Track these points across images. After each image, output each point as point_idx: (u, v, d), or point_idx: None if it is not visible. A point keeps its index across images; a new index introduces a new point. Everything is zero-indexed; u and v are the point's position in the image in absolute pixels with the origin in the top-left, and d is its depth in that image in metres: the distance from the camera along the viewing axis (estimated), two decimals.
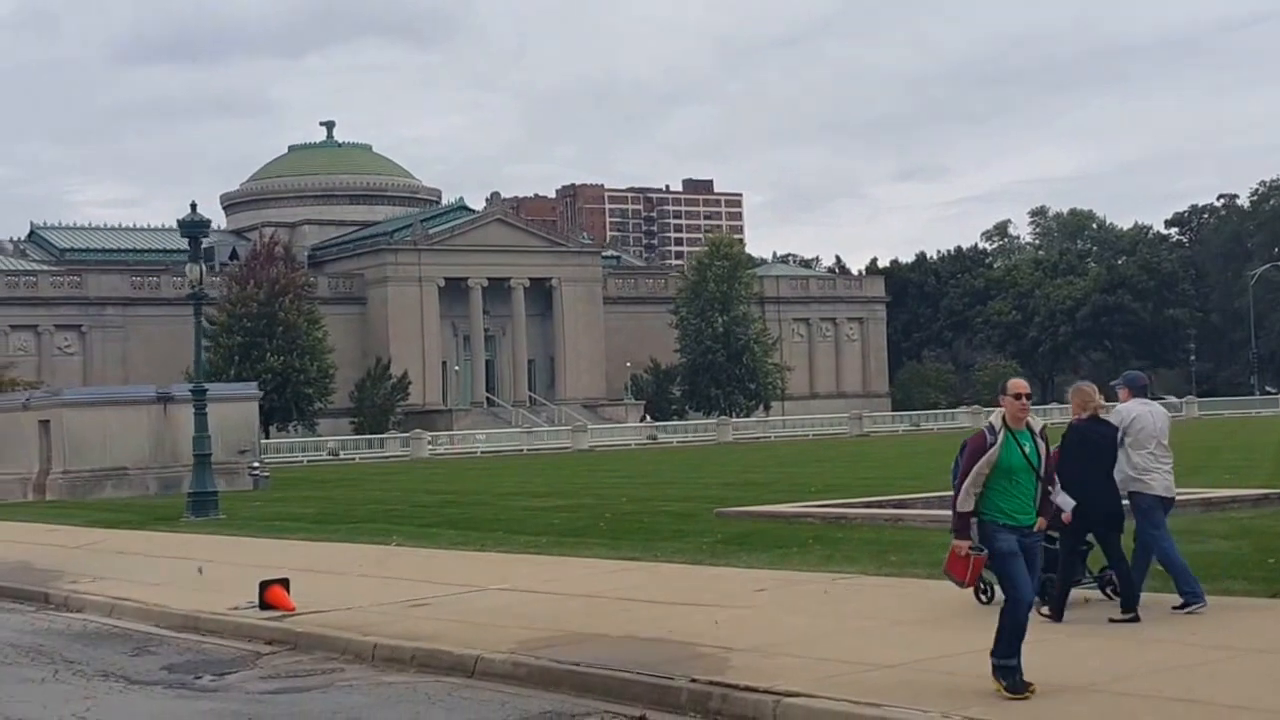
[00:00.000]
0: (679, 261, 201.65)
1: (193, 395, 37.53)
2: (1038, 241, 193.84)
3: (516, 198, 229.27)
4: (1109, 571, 14.72)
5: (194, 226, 35.68)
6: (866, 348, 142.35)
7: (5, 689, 14.36)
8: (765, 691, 11.43)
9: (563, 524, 28.13)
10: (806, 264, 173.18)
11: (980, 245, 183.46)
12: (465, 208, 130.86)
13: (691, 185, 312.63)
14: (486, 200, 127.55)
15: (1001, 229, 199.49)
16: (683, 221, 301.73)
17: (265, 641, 16.56)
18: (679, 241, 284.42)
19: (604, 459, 71.22)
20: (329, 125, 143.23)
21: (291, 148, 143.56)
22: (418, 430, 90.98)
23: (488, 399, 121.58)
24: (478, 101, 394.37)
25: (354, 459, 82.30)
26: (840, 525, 24.69)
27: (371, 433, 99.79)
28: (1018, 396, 11.07)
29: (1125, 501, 14.71)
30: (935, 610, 15.17)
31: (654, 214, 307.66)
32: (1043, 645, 12.08)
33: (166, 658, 16.07)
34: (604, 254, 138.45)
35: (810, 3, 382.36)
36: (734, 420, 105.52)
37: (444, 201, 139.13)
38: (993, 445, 10.87)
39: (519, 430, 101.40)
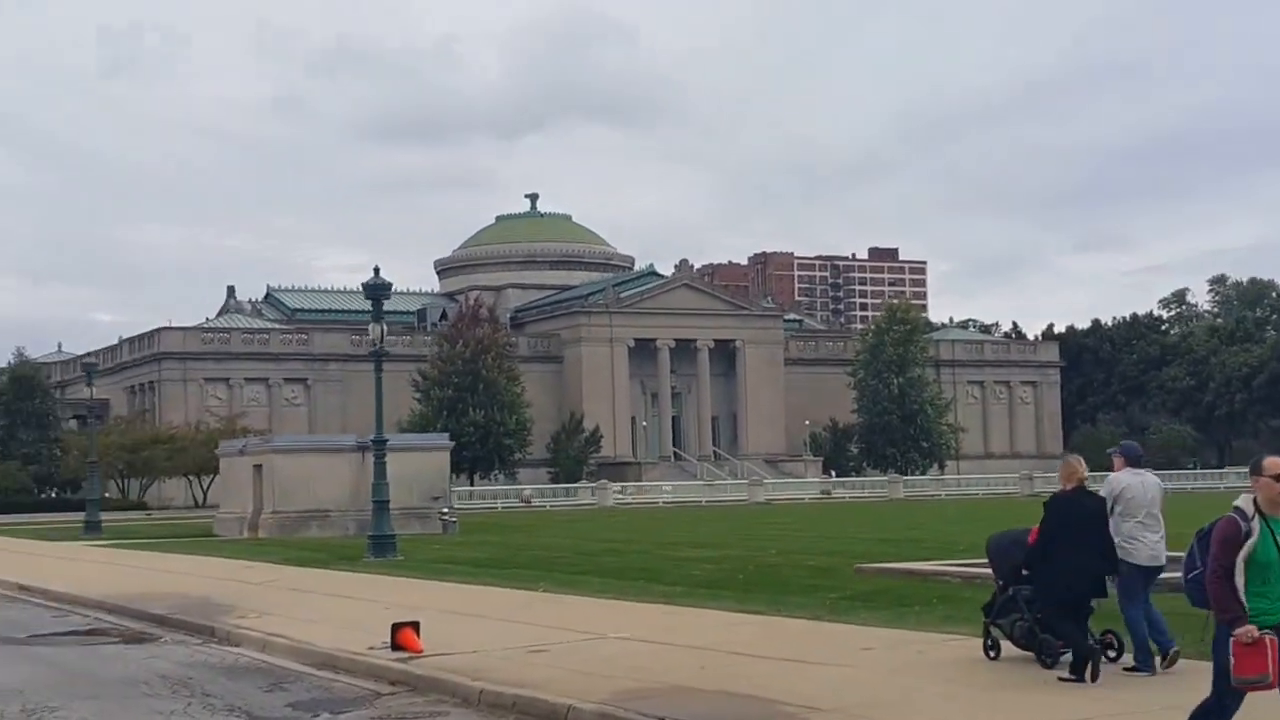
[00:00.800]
0: (864, 325, 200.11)
1: (373, 445, 37.74)
2: (1216, 310, 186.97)
3: (711, 264, 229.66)
4: (1110, 634, 14.17)
5: (376, 289, 36.05)
6: (1040, 410, 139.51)
7: (133, 718, 14.33)
8: None
9: (703, 575, 27.41)
10: (986, 329, 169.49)
11: (1156, 313, 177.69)
12: (655, 273, 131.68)
13: (877, 253, 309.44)
14: (675, 266, 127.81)
15: (1179, 297, 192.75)
16: (868, 288, 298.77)
17: (389, 682, 16.17)
18: (864, 307, 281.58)
19: (776, 512, 70.29)
20: (533, 197, 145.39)
21: (499, 218, 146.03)
22: (603, 481, 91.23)
23: (674, 453, 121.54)
24: (678, 175, 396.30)
25: (545, 506, 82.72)
26: (973, 585, 23.65)
27: (566, 482, 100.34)
28: (1278, 478, 8.86)
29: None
30: (1034, 677, 14.20)
31: (840, 280, 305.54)
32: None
33: (295, 695, 15.82)
34: (786, 318, 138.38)
35: (996, 81, 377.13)
36: (906, 478, 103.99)
37: (636, 267, 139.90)
38: (1248, 534, 8.80)
39: (700, 483, 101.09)
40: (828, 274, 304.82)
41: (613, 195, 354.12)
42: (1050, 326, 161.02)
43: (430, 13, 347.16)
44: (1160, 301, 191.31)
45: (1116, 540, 13.93)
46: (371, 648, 17.79)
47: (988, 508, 71.08)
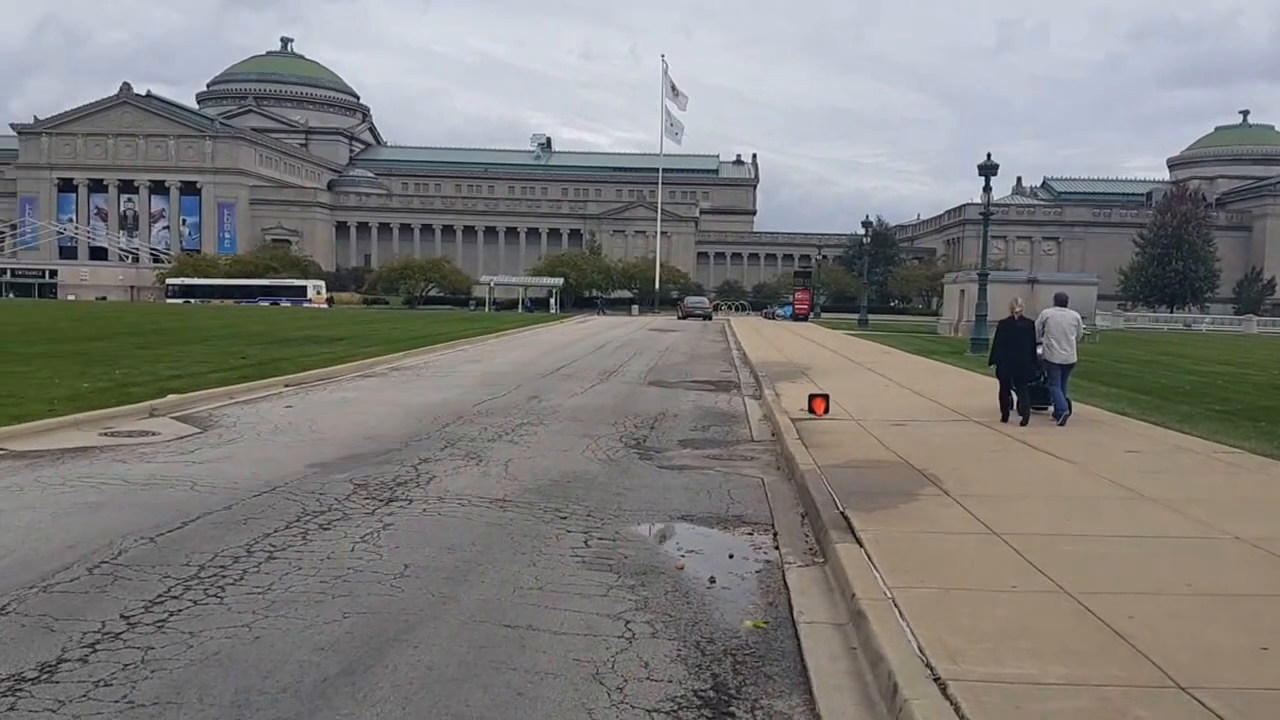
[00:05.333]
0: None
1: (979, 278, 33.12)
2: None
3: None
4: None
5: (987, 169, 31.08)
6: None
7: (604, 425, 13.19)
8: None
9: (1160, 386, 19.74)
10: None
11: None
12: None
13: None
14: None
15: None
16: None
17: (771, 434, 13.50)
18: None
19: None
20: (1244, 113, 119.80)
21: (1217, 128, 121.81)
22: (1249, 315, 74.17)
23: None
24: None
25: (1203, 330, 68.63)
26: None
27: (1237, 315, 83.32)
28: None
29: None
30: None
31: None
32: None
33: (710, 434, 13.32)
34: None
35: None
36: None
37: None
38: None
39: None
40: None
41: None
42: None
43: None
44: None
45: (1041, 347, 13.79)
46: (801, 409, 15.22)
47: None
